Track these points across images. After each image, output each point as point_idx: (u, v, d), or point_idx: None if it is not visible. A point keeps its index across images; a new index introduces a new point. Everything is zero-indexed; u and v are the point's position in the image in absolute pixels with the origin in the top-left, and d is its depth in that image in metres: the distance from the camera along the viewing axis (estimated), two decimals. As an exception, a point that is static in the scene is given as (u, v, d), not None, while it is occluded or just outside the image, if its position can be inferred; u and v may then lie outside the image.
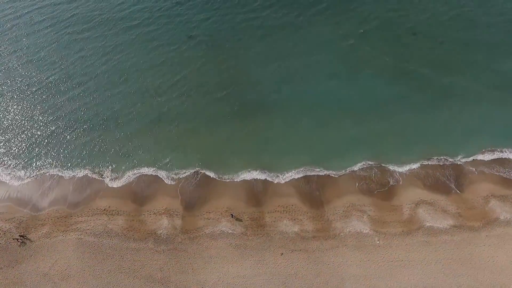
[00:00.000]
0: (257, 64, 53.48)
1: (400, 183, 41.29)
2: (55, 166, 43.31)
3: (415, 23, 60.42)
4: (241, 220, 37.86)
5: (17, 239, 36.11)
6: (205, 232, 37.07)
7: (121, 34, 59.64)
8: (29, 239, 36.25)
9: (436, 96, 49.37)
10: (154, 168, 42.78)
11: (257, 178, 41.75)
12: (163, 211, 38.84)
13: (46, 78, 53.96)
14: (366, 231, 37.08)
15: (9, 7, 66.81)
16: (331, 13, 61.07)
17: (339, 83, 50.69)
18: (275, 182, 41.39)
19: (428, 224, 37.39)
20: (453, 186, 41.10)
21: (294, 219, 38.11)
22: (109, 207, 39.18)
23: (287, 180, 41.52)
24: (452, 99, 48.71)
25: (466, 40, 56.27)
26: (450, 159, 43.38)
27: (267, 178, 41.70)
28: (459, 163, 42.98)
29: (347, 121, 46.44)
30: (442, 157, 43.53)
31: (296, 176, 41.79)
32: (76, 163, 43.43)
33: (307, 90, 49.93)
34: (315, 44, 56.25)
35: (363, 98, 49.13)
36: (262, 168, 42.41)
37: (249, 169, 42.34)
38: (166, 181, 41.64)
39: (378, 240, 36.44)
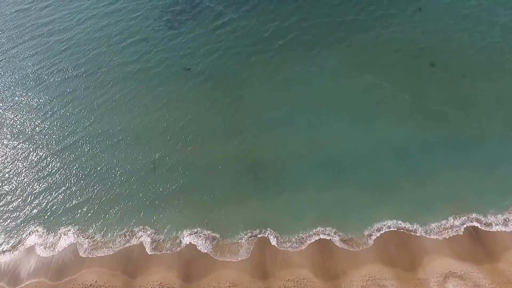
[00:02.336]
0: (267, 108, 48.38)
1: (426, 248, 36.51)
2: (38, 229, 38.69)
3: (437, 55, 54.88)
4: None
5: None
6: (204, 316, 32.48)
7: (118, 72, 53.81)
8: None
9: (462, 143, 44.36)
10: (149, 232, 38.09)
11: (264, 243, 37.06)
12: (157, 287, 34.20)
13: (33, 127, 48.21)
14: (389, 313, 32.42)
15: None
16: (348, 46, 55.59)
17: (355, 129, 45.78)
18: (285, 248, 36.68)
19: (459, 304, 32.74)
20: (485, 252, 36.30)
21: (306, 297, 33.43)
22: (96, 282, 34.54)
23: (298, 246, 36.79)
24: (480, 147, 43.76)
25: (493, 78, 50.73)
26: (481, 218, 38.67)
27: (276, 243, 37.01)
28: (491, 224, 38.24)
29: (364, 175, 41.63)
30: (471, 215, 38.69)
31: (309, 241, 37.05)
32: (62, 226, 38.77)
33: (321, 139, 44.99)
34: (330, 82, 51.06)
35: (380, 147, 44.18)
36: (271, 230, 37.76)
37: (255, 232, 37.66)
38: (161, 247, 36.99)
39: (403, 326, 31.78)
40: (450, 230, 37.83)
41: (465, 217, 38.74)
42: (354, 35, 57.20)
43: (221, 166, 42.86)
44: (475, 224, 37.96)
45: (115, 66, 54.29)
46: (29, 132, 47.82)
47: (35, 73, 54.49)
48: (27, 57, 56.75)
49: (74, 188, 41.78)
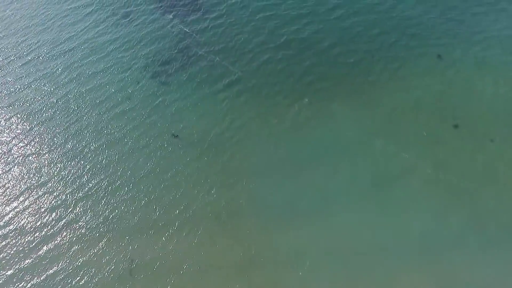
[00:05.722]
0: (267, 189, 42.50)
1: None
2: None
3: (460, 113, 48.13)
4: None
5: None
6: None
7: (103, 151, 46.90)
8: None
9: (495, 230, 37.67)
10: None
11: None
12: None
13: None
14: None
15: None
16: (363, 107, 49.03)
17: (369, 216, 39.44)
18: None
19: None
20: None
21: None
22: None
23: None
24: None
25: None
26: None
27: None
28: None
29: (381, 276, 35.46)
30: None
31: None
32: None
33: (328, 229, 39.01)
34: (341, 154, 44.88)
35: (400, 239, 37.90)
36: None
37: None
38: None
39: None
40: None
41: None
42: (370, 93, 50.42)
43: (211, 268, 36.74)
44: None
45: (99, 143, 47.70)
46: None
47: (6, 154, 48.02)
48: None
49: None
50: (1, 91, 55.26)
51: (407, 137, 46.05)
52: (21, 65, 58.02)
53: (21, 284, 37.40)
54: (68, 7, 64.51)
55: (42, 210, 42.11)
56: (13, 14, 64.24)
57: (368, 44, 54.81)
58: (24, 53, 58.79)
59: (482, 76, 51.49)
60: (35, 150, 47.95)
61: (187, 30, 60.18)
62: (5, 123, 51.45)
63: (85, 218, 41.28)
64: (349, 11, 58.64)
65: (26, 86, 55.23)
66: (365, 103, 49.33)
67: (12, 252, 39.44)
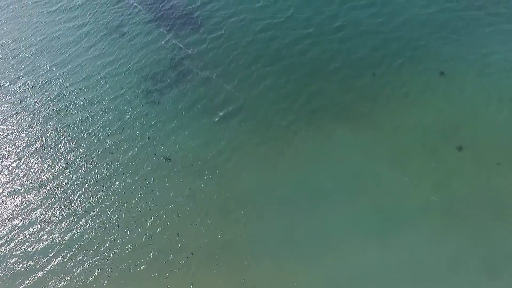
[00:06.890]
0: (266, 222, 40.86)
1: None
2: None
3: (464, 134, 46.64)
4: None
5: None
6: None
7: (94, 188, 44.17)
8: None
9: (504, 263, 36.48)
10: None
11: None
12: None
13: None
14: None
15: None
16: (365, 132, 47.16)
17: (371, 251, 37.78)
18: None
19: None
20: None
21: None
22: None
23: None
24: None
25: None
26: None
27: None
28: None
29: None
30: None
31: None
32: None
33: (330, 265, 37.44)
34: (341, 181, 43.19)
35: (405, 274, 36.40)
36: None
37: None
38: None
39: None
40: None
41: None
42: (377, 119, 48.46)
43: None
44: None
45: (92, 177, 44.99)
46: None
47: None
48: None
49: None
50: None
51: (410, 160, 44.36)
52: (11, 91, 54.77)
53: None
54: (62, 26, 62.18)
55: (31, 251, 39.70)
56: (4, 34, 61.81)
57: (373, 67, 52.85)
58: (15, 78, 55.64)
59: (489, 99, 49.53)
60: (21, 187, 44.93)
61: (184, 49, 57.98)
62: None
63: (77, 260, 39.13)
64: (353, 32, 56.78)
65: (15, 114, 52.03)
66: (372, 130, 47.43)
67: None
